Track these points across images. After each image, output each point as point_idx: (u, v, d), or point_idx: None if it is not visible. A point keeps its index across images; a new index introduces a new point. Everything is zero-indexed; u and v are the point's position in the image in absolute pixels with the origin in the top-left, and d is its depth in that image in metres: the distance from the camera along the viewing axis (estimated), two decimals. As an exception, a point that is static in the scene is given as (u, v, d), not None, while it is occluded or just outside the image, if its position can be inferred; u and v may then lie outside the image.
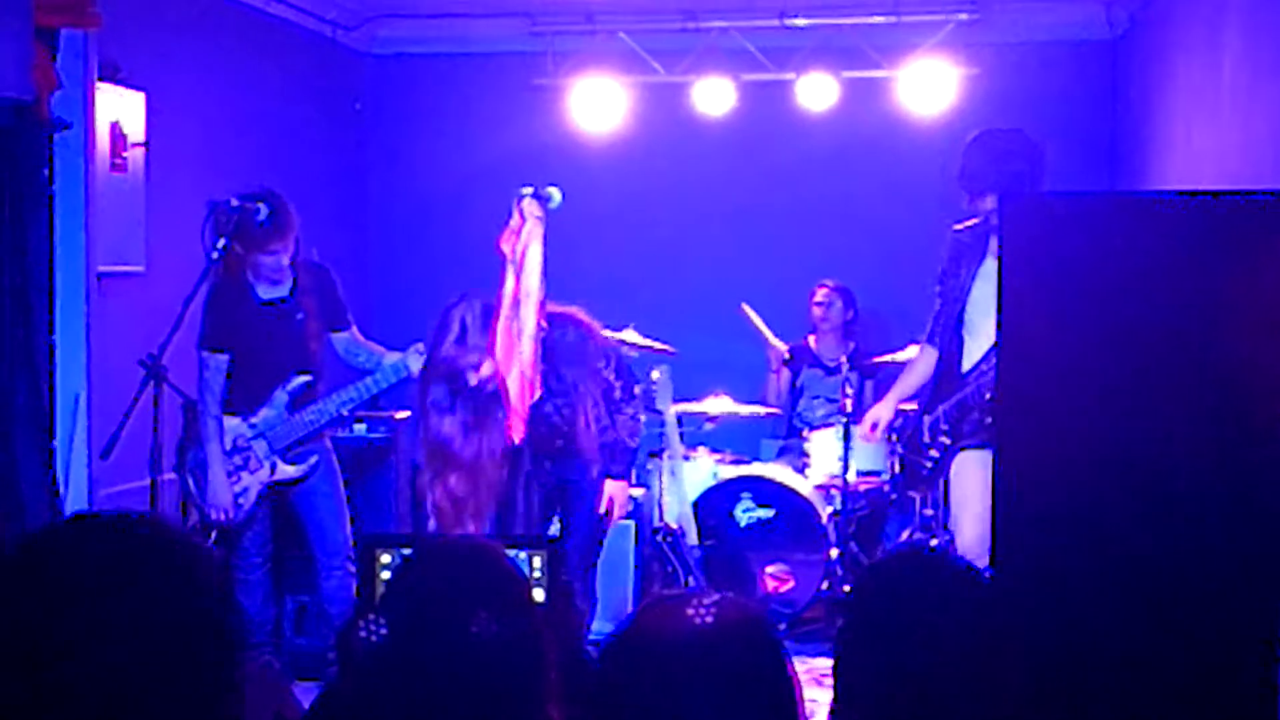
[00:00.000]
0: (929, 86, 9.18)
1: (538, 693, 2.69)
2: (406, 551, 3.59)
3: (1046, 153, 6.27)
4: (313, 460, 6.52)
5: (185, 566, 2.16)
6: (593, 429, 6.49)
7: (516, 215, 6.03)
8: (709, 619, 2.44)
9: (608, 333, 7.04)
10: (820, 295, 9.01)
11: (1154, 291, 4.18)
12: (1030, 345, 4.31)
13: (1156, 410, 4.19)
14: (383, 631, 2.70)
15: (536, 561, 3.90)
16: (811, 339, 9.06)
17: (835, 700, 2.72)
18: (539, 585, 3.90)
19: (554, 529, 6.64)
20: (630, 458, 6.79)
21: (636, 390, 6.66)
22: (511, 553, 3.08)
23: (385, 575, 3.87)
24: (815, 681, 7.08)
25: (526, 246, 6.00)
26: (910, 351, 7.18)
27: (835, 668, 2.73)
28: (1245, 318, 4.14)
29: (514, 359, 6.00)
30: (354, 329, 6.70)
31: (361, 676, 2.80)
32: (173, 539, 2.18)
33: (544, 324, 6.12)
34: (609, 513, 6.73)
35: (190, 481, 6.39)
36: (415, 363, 6.47)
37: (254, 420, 6.42)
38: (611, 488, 6.67)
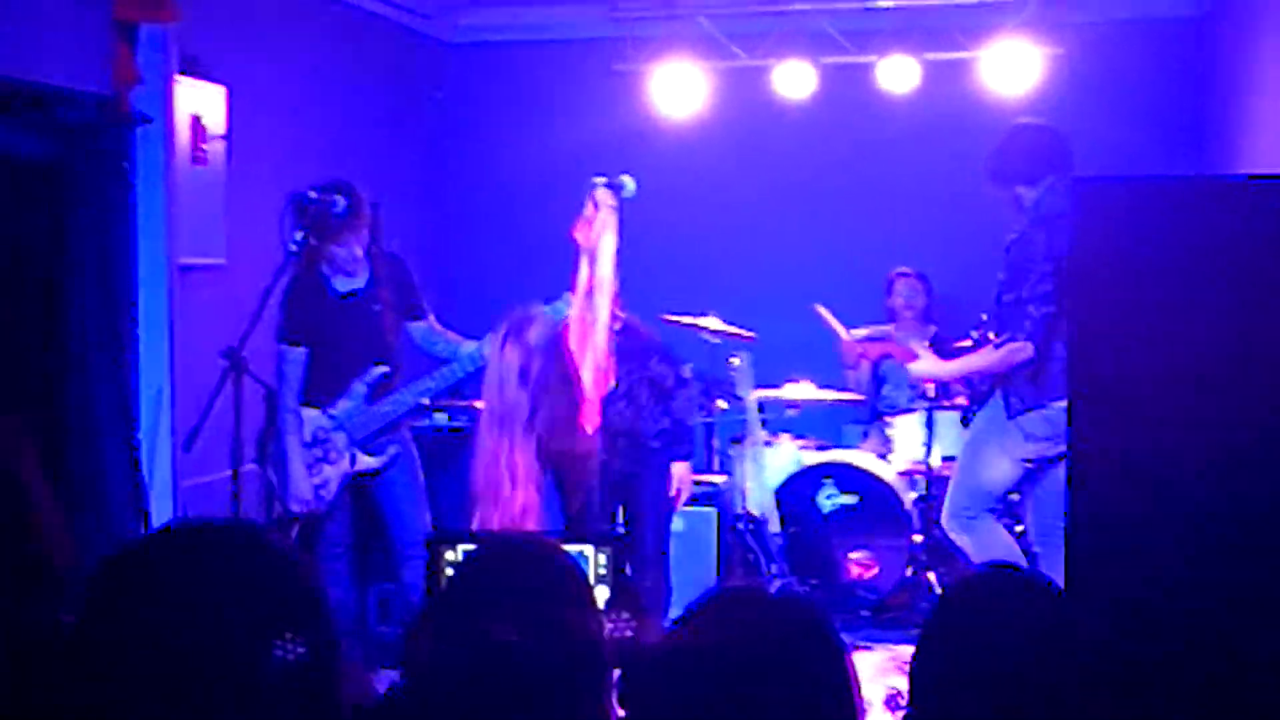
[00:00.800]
0: (1012, 67, 9.07)
1: (595, 691, 2.68)
2: (470, 549, 3.59)
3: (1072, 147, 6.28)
4: (392, 451, 6.55)
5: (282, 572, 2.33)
6: (650, 422, 6.58)
7: (590, 205, 6.02)
8: (768, 615, 2.43)
9: (679, 318, 7.04)
10: (899, 285, 8.94)
11: (1231, 277, 4.07)
12: (1104, 335, 4.22)
13: (1240, 404, 4.08)
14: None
15: (601, 558, 3.88)
16: (891, 328, 8.98)
17: (910, 703, 2.70)
18: (603, 582, 3.88)
19: (620, 522, 6.69)
20: (690, 437, 6.91)
21: (685, 372, 6.83)
22: (574, 549, 3.07)
23: (449, 572, 3.86)
24: (898, 669, 7.06)
25: (600, 236, 5.98)
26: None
27: (911, 674, 2.71)
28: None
29: (588, 349, 6.00)
30: (431, 318, 6.72)
31: (425, 676, 2.80)
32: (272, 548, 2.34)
33: (619, 314, 6.12)
34: (677, 496, 6.81)
35: (272, 474, 6.43)
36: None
37: (333, 412, 6.45)
38: (678, 470, 6.81)
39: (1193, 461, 4.11)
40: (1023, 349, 6.25)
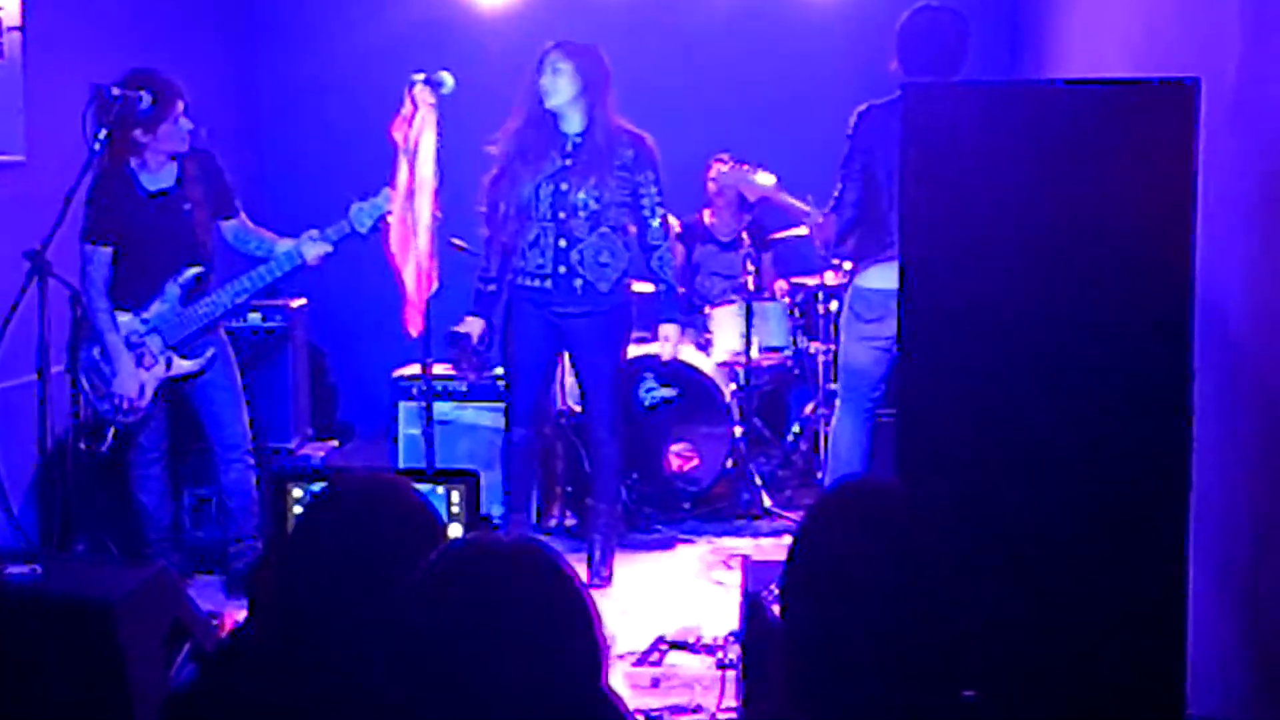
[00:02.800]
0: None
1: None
2: (318, 487, 3.52)
3: (968, 32, 6.32)
4: (209, 353, 6.43)
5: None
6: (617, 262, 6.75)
7: (409, 102, 5.92)
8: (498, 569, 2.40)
9: None
10: (715, 170, 8.90)
11: (1051, 180, 4.26)
12: (929, 236, 4.32)
13: (1055, 296, 4.26)
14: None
15: (455, 496, 3.83)
16: (706, 213, 8.97)
17: (786, 630, 2.70)
18: (455, 520, 3.83)
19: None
20: (677, 297, 7.10)
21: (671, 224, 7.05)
22: (426, 488, 3.02)
23: (297, 510, 3.78)
24: (723, 563, 7.12)
25: (420, 135, 5.89)
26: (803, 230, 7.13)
27: (782, 607, 2.72)
28: (1138, 203, 4.21)
29: (410, 251, 5.91)
30: (243, 216, 6.59)
31: (270, 619, 2.74)
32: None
33: (438, 214, 6.02)
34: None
35: (84, 381, 6.25)
36: (310, 250, 6.37)
37: (146, 315, 6.30)
38: (668, 330, 7.06)
39: (1009, 355, 4.28)
40: (828, 220, 6.47)
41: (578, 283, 6.64)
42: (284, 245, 6.46)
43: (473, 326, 6.87)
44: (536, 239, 6.63)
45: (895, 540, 2.63)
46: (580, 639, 2.36)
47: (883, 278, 6.00)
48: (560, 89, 6.55)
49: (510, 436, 6.94)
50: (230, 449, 6.54)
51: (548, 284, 6.66)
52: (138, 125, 6.12)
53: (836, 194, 6.38)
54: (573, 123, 6.62)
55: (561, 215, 6.58)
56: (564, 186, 6.57)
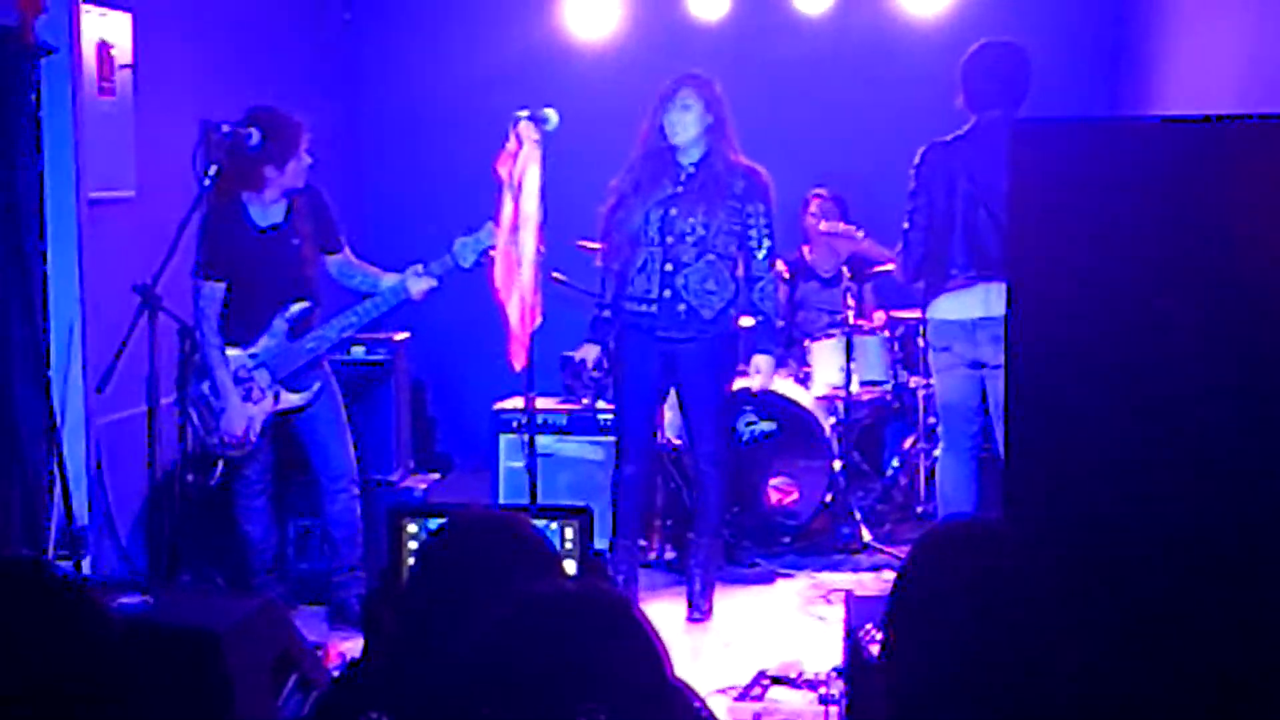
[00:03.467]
0: (926, -12, 9.06)
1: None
2: (434, 523, 3.54)
3: (1032, 67, 6.38)
4: (316, 387, 6.48)
5: None
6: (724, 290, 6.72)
7: (513, 138, 5.96)
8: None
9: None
10: (814, 206, 8.90)
11: (1161, 218, 4.16)
12: (1040, 275, 4.27)
13: (1168, 335, 4.18)
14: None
15: (568, 532, 3.84)
16: (805, 250, 8.96)
17: (888, 667, 2.70)
18: (570, 556, 3.84)
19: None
20: (775, 330, 7.04)
21: (777, 265, 6.99)
22: (540, 523, 3.04)
23: (413, 545, 3.80)
24: (823, 598, 7.10)
25: (524, 170, 5.93)
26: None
27: (884, 641, 2.73)
28: (1250, 240, 4.13)
29: (514, 285, 5.95)
30: (348, 250, 6.65)
31: (389, 649, 2.77)
32: None
33: (542, 249, 6.05)
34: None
35: (193, 414, 6.31)
36: (415, 285, 6.42)
37: (254, 350, 6.37)
38: (762, 361, 6.93)
39: (1127, 399, 4.19)
40: (899, 256, 6.63)
41: (681, 307, 6.62)
42: (388, 280, 6.52)
43: (588, 353, 6.88)
44: (645, 264, 6.62)
45: (996, 581, 2.63)
46: (647, 685, 2.38)
47: (950, 308, 6.25)
48: (688, 125, 6.57)
49: (622, 473, 6.84)
50: (335, 479, 6.59)
51: (653, 308, 6.64)
52: (267, 162, 6.21)
53: (906, 229, 6.50)
54: (691, 154, 6.63)
55: (669, 240, 6.57)
56: (673, 212, 6.56)
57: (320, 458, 6.60)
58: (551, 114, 6.01)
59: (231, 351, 6.35)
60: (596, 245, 6.86)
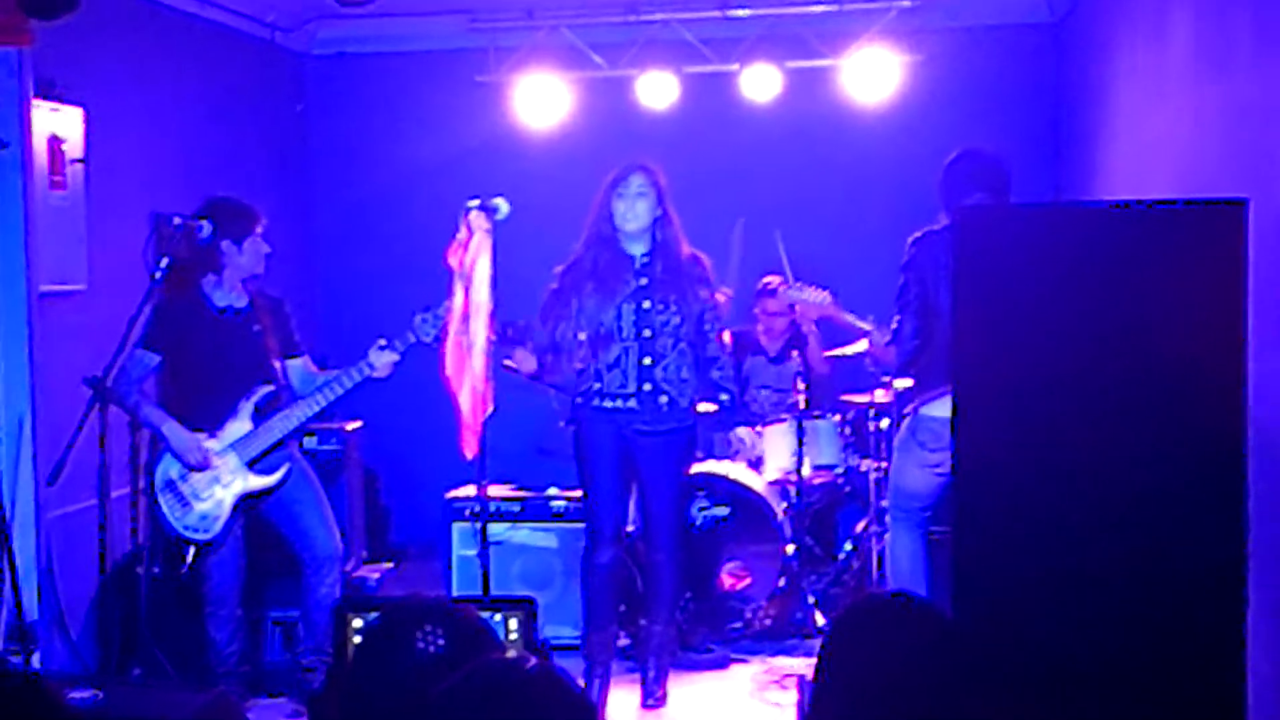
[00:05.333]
0: (872, 74, 9.18)
1: None
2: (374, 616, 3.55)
3: (1009, 169, 6.37)
4: (285, 469, 6.45)
5: None
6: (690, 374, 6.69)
7: (464, 228, 5.99)
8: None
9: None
10: (766, 304, 8.88)
11: (1102, 301, 4.31)
12: (982, 358, 4.36)
13: (1107, 416, 4.28)
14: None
15: (512, 623, 3.86)
16: (759, 328, 9.02)
17: None
18: (514, 647, 3.86)
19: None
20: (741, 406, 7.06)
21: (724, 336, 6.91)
22: (485, 614, 3.05)
23: (356, 640, 3.82)
24: (777, 683, 7.10)
25: (475, 259, 5.96)
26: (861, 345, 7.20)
27: (809, 699, 2.76)
28: (1189, 324, 4.24)
29: (465, 374, 5.97)
30: (307, 358, 6.66)
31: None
32: None
33: (493, 337, 6.08)
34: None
35: (163, 501, 6.29)
36: (379, 358, 6.41)
37: (221, 434, 6.34)
38: (743, 432, 7.03)
39: (1065, 471, 4.31)
40: (887, 352, 6.51)
41: (663, 399, 6.60)
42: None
43: (524, 362, 6.81)
44: (618, 359, 6.57)
45: (908, 656, 2.66)
46: None
47: (948, 407, 6.02)
48: (641, 214, 6.59)
49: (596, 559, 6.71)
50: (321, 563, 6.50)
51: (631, 403, 6.59)
52: (224, 238, 6.25)
53: (895, 326, 6.36)
54: (640, 244, 6.64)
55: (647, 334, 6.56)
56: (646, 305, 6.56)
57: (302, 541, 6.54)
58: (502, 203, 6.03)
59: (198, 436, 6.32)
60: (516, 365, 6.82)
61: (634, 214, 6.59)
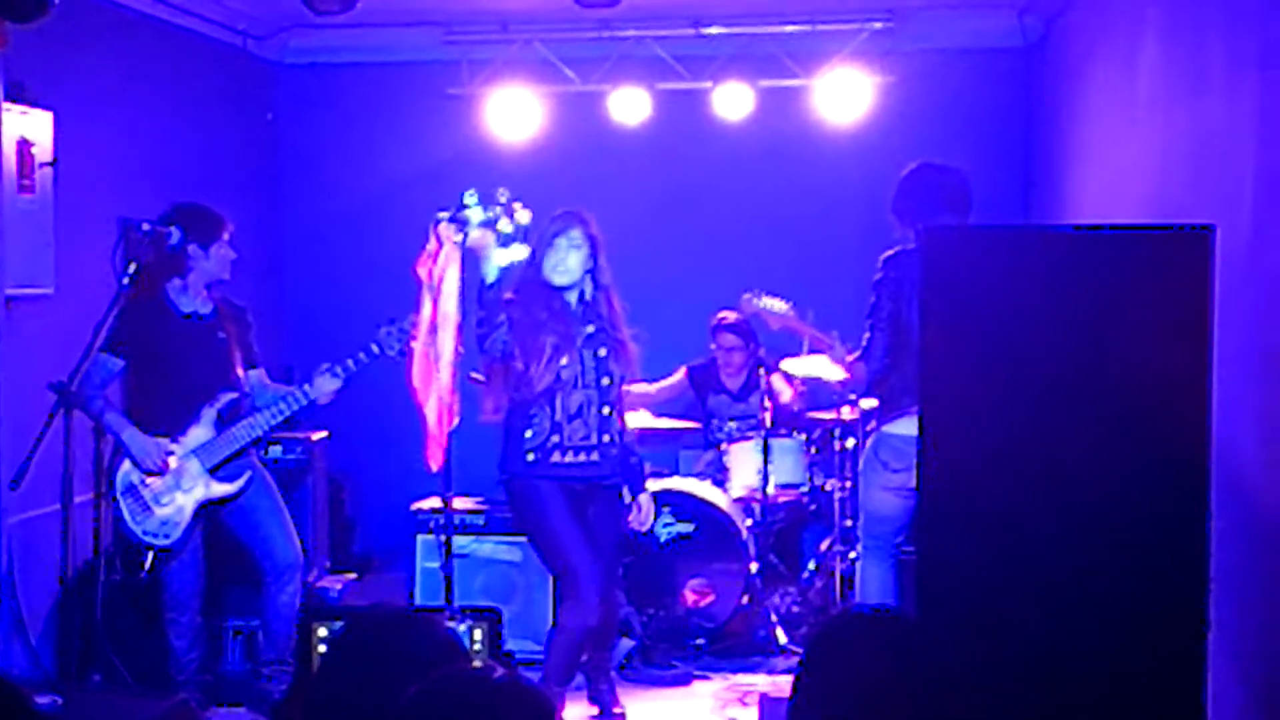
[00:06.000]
0: (844, 95, 9.21)
1: None
2: (339, 625, 3.54)
3: (972, 186, 6.37)
4: (246, 476, 6.44)
5: None
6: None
7: (433, 239, 5.99)
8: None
9: None
10: (722, 339, 8.81)
11: (1068, 324, 4.36)
12: (947, 377, 4.38)
13: (1072, 437, 4.33)
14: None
15: (477, 634, 3.86)
16: (721, 366, 8.96)
17: None
18: (478, 658, 3.85)
19: None
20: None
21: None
22: (450, 624, 3.05)
23: (322, 650, 3.81)
24: (739, 700, 7.10)
25: (444, 271, 5.96)
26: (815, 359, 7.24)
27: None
28: (1154, 348, 4.29)
29: (432, 385, 5.96)
30: (263, 371, 6.66)
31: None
32: None
33: (461, 349, 6.07)
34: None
35: (124, 504, 6.28)
36: (320, 386, 6.41)
37: (183, 439, 6.33)
38: (646, 500, 6.64)
39: (1028, 482, 4.36)
40: (856, 367, 6.45)
41: (615, 450, 6.32)
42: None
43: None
44: (580, 409, 6.19)
45: (885, 671, 2.67)
46: None
47: (913, 426, 5.95)
48: (574, 266, 6.20)
49: (584, 622, 6.16)
50: (281, 572, 6.51)
51: (594, 456, 6.22)
52: (190, 242, 6.27)
53: (865, 343, 6.32)
54: (573, 291, 6.26)
55: (605, 382, 6.24)
56: (602, 353, 6.24)
57: (263, 549, 6.54)
58: (472, 215, 5.97)
59: (161, 441, 6.30)
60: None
61: (565, 267, 6.19)
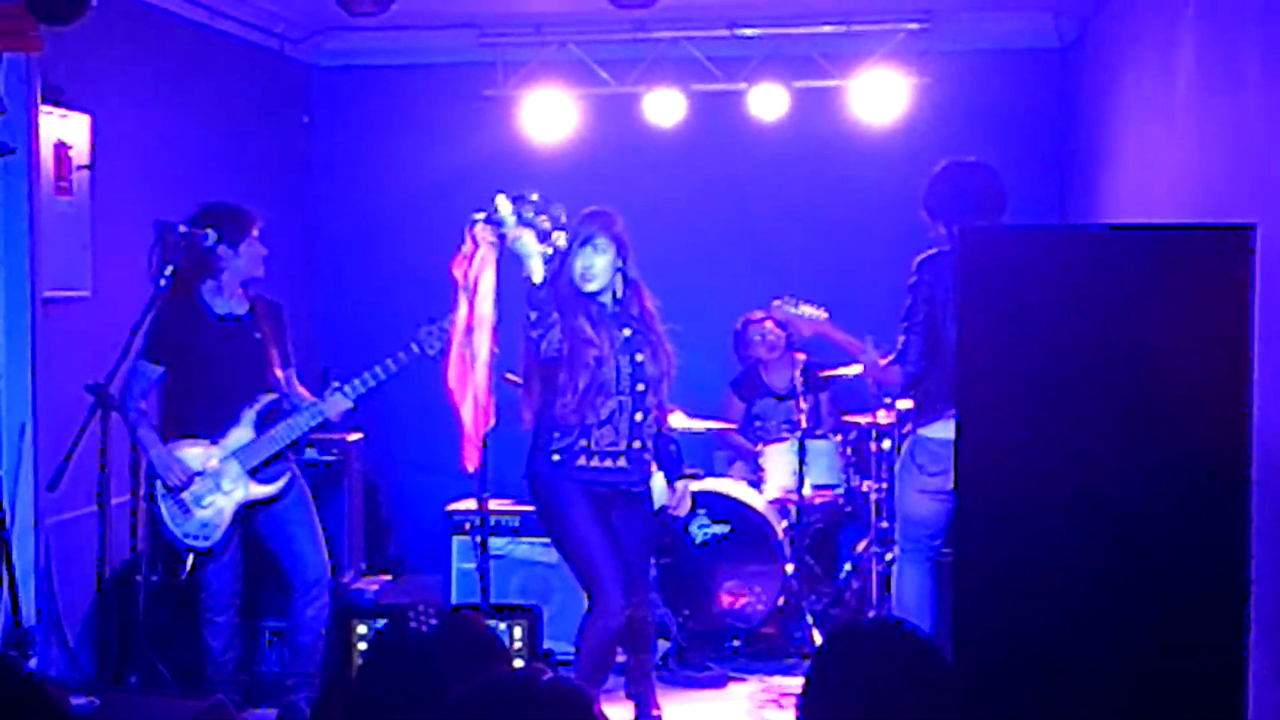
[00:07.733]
0: (879, 96, 9.18)
1: None
2: (382, 623, 3.54)
3: (1005, 184, 6.36)
4: (286, 478, 6.45)
5: None
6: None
7: (469, 240, 5.97)
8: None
9: None
10: (755, 331, 8.88)
11: (1107, 324, 4.33)
12: (986, 377, 4.36)
13: (1111, 438, 4.30)
14: None
15: (517, 632, 3.85)
16: (762, 369, 8.99)
17: None
18: (518, 656, 3.85)
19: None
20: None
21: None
22: (490, 623, 3.05)
23: (362, 646, 3.80)
24: (774, 702, 7.09)
25: (480, 273, 5.94)
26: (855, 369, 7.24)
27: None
28: (1194, 347, 4.26)
29: (468, 387, 5.96)
30: (293, 371, 6.67)
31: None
32: None
33: (496, 350, 6.06)
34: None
35: (163, 507, 6.30)
36: (331, 405, 6.41)
37: (223, 442, 6.34)
38: (684, 485, 6.70)
39: (1065, 491, 4.34)
40: (890, 371, 6.46)
41: (647, 455, 6.24)
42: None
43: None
44: (611, 415, 6.08)
45: (888, 683, 2.67)
46: None
47: (949, 430, 5.90)
48: (601, 271, 6.11)
49: (609, 625, 5.98)
50: (309, 585, 6.50)
51: (620, 461, 6.11)
52: (220, 242, 6.26)
53: (900, 346, 6.31)
54: (605, 294, 6.18)
55: (640, 388, 6.15)
56: (639, 358, 6.15)
57: (293, 561, 6.54)
58: (508, 216, 5.92)
59: (199, 447, 6.33)
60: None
61: (596, 272, 6.11)
